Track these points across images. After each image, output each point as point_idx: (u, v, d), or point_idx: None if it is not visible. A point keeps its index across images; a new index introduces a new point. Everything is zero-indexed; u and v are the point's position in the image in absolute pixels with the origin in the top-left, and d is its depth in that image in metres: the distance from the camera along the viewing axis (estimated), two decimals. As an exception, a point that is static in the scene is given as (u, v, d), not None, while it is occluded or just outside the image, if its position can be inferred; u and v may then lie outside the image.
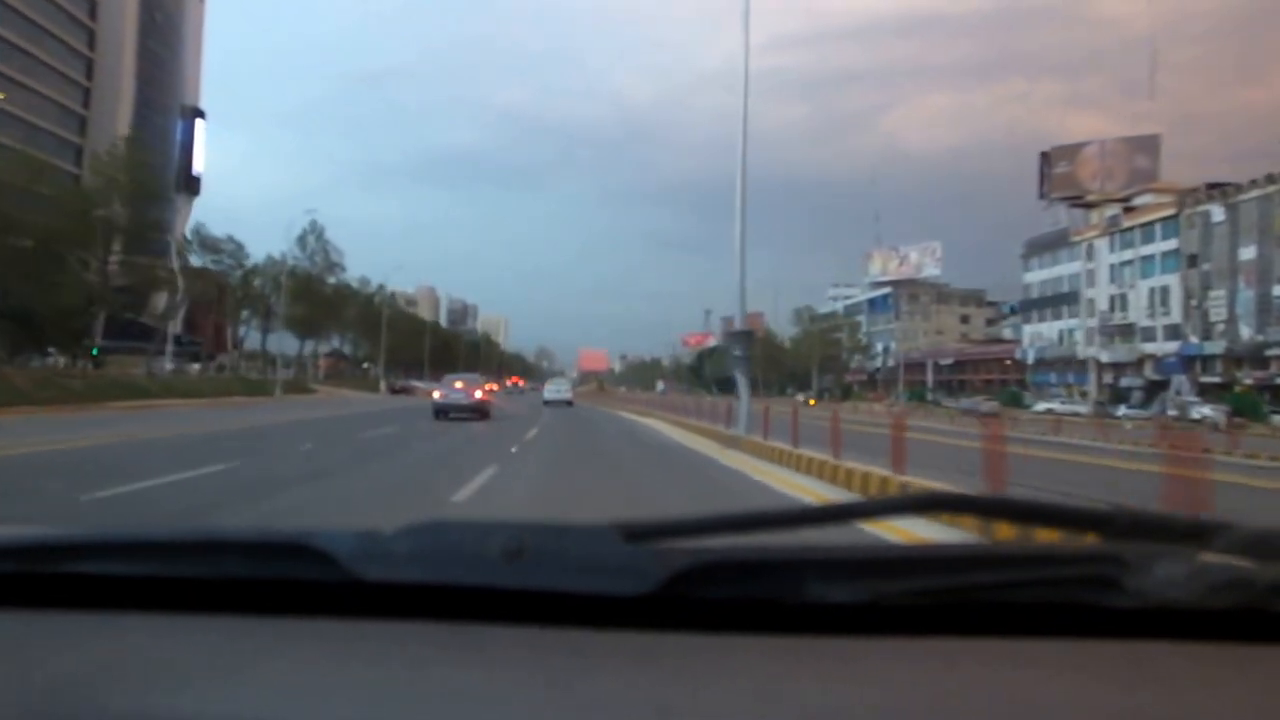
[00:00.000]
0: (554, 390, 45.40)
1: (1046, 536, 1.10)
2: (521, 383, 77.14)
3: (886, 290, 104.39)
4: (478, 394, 25.76)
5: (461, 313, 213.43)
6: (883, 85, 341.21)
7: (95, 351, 43.58)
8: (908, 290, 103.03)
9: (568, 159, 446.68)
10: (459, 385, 26.15)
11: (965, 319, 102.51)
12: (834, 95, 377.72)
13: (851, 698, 0.66)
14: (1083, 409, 56.29)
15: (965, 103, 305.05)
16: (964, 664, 0.71)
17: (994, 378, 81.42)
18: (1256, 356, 54.12)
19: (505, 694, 0.66)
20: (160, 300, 51.86)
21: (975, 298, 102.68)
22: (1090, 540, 0.84)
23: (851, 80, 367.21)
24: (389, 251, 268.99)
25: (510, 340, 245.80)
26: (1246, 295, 55.45)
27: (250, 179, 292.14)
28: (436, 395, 26.53)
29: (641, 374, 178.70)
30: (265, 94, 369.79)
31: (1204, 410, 44.43)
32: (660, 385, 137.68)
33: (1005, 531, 4.67)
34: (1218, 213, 57.56)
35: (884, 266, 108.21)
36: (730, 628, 0.76)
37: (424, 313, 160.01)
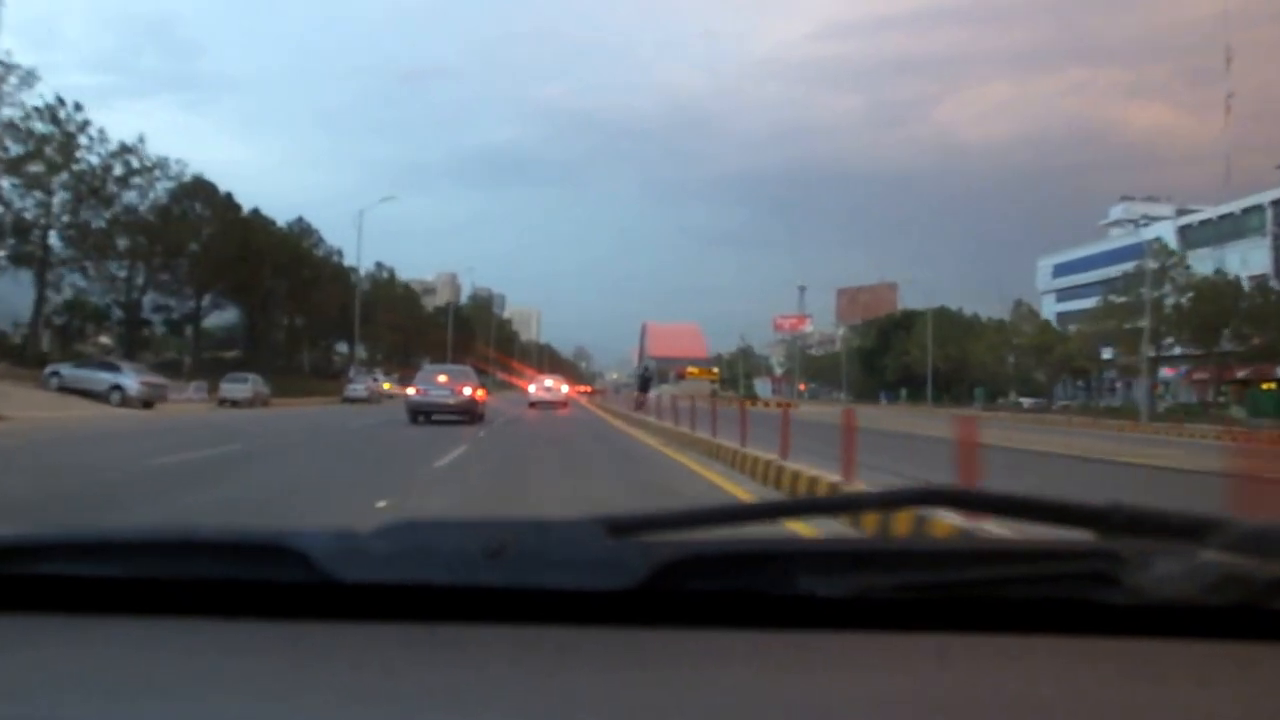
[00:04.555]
0: (543, 390, 38.07)
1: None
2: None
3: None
4: (466, 391, 21.07)
5: (486, 301, 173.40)
6: (939, 71, 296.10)
7: None
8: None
9: (609, 152, 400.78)
10: (442, 380, 21.43)
11: None
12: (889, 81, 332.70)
13: (840, 694, 0.64)
14: None
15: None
16: (956, 660, 0.69)
17: None
18: None
19: (487, 694, 0.64)
20: None
21: None
22: (1087, 537, 0.80)
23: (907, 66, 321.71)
24: (426, 248, 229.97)
25: (544, 336, 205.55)
26: None
27: (285, 181, 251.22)
28: (412, 392, 21.49)
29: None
30: (301, 96, 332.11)
31: None
32: (766, 387, 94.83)
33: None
34: None
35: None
36: (717, 622, 0.73)
37: (443, 301, 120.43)
